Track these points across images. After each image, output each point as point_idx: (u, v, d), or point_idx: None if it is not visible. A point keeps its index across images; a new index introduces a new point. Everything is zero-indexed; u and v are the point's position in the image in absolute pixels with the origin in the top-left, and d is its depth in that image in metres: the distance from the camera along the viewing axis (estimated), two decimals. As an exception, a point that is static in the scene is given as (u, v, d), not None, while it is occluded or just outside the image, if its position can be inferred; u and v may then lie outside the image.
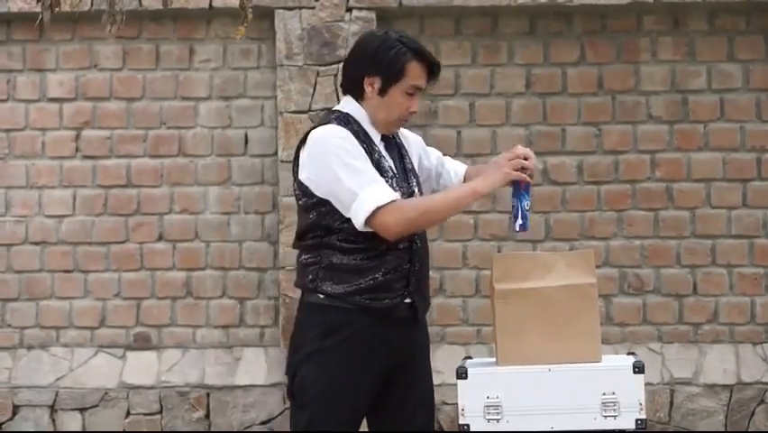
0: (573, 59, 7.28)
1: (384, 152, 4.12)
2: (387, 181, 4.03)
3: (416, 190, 4.17)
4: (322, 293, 4.03)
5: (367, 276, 4.00)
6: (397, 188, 4.04)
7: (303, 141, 4.09)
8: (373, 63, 4.05)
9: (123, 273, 7.34)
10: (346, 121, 4.07)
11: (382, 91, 4.05)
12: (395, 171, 4.11)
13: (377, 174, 4.00)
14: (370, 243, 3.99)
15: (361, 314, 4.01)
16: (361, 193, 3.94)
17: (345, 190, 3.95)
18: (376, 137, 4.11)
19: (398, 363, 4.09)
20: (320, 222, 4.03)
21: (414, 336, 4.15)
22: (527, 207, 4.04)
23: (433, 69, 4.09)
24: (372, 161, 4.03)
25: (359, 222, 3.95)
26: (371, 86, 4.06)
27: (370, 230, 3.96)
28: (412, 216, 3.97)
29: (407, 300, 4.07)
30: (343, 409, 4.03)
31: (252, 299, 7.31)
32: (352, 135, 4.02)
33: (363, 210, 3.93)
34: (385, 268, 4.01)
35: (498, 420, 3.89)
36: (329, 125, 4.06)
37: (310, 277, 4.05)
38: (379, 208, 3.93)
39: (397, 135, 4.24)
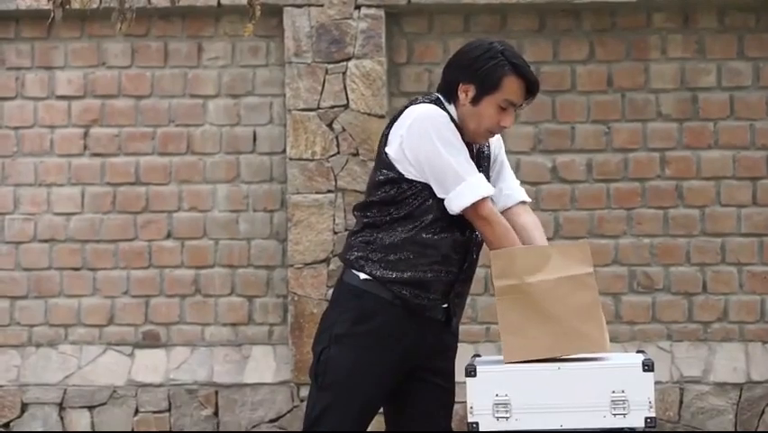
0: (582, 57, 7.27)
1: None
2: None
3: None
4: (364, 273, 4.03)
5: (414, 270, 4.00)
6: None
7: (397, 116, 4.08)
8: (470, 71, 4.03)
9: (132, 271, 7.34)
10: (444, 108, 4.06)
11: (475, 100, 4.02)
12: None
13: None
14: (430, 240, 4.01)
15: (396, 306, 4.01)
16: (470, 179, 3.96)
17: (451, 171, 3.96)
18: None
19: (424, 360, 4.10)
20: (390, 200, 4.02)
21: (444, 338, 4.15)
22: None
23: (531, 87, 4.05)
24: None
25: (458, 205, 3.96)
26: (465, 93, 4.03)
27: (457, 213, 3.97)
28: (501, 230, 4.00)
29: (444, 305, 4.09)
30: (361, 397, 4.04)
31: (261, 297, 7.31)
32: (452, 122, 4.03)
33: (471, 195, 3.94)
34: (434, 268, 4.02)
35: (506, 418, 3.88)
36: (433, 105, 4.06)
37: (358, 254, 4.05)
38: (485, 199, 3.96)
39: (484, 146, 4.21)
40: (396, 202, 4.02)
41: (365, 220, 4.08)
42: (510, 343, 3.96)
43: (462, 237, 4.07)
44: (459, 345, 4.25)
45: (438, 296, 4.06)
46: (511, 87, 4.01)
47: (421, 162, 3.98)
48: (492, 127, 4.06)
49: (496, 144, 4.27)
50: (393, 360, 4.04)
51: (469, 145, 4.09)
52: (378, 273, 4.01)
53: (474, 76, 4.01)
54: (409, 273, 4.00)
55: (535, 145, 7.25)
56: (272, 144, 7.30)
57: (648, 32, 7.26)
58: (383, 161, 4.05)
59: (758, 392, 7.09)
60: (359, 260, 4.04)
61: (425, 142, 3.97)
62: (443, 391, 4.18)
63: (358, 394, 4.03)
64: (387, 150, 4.04)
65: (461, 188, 3.95)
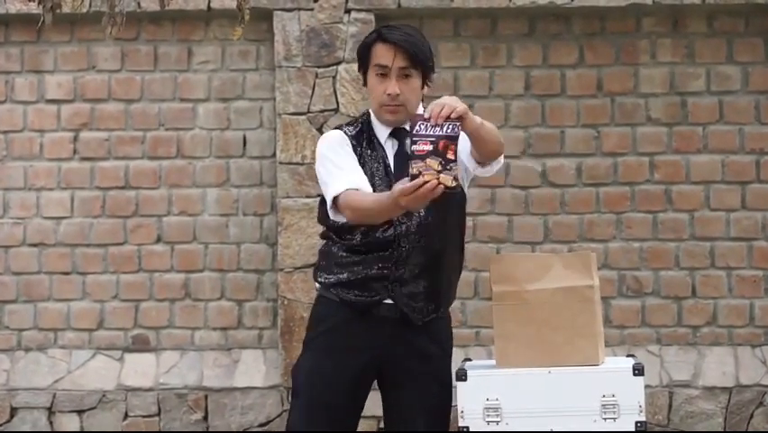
0: (572, 61, 7.28)
1: (385, 149, 4.14)
2: (378, 178, 4.09)
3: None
4: (317, 282, 4.21)
5: (348, 271, 4.11)
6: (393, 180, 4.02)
7: None
8: (358, 60, 4.21)
9: (122, 275, 7.33)
10: (354, 121, 4.23)
11: (365, 82, 4.18)
12: (389, 167, 4.11)
13: (352, 170, 4.07)
14: (356, 240, 4.10)
15: (343, 307, 4.12)
16: (331, 184, 4.06)
17: (322, 184, 4.12)
18: (383, 132, 4.15)
19: (388, 363, 4.12)
20: (325, 214, 4.17)
21: (408, 338, 4.13)
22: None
23: (392, 43, 4.06)
24: (360, 161, 4.11)
25: (329, 211, 4.09)
26: (365, 82, 4.19)
27: (341, 219, 4.07)
28: (356, 208, 4.00)
29: (388, 301, 4.10)
30: (322, 399, 4.09)
31: (251, 301, 7.30)
32: (343, 137, 4.14)
33: (328, 199, 4.07)
34: (365, 267, 4.09)
35: (497, 422, 3.89)
36: (334, 129, 4.25)
37: (317, 265, 4.25)
38: (337, 197, 4.03)
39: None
40: (325, 216, 4.18)
41: (322, 233, 4.28)
42: (504, 349, 3.97)
43: (385, 235, 4.09)
44: (448, 349, 4.24)
45: (378, 292, 4.09)
46: (376, 51, 4.10)
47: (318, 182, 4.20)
48: (381, 100, 4.11)
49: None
50: (349, 362, 4.09)
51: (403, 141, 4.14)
52: (324, 280, 4.17)
53: (359, 62, 4.18)
54: (345, 275, 4.11)
55: (525, 149, 7.26)
56: (262, 148, 7.30)
57: (638, 37, 7.27)
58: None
59: (747, 396, 7.10)
60: (317, 270, 4.24)
61: (317, 164, 4.17)
62: (422, 397, 4.13)
63: (318, 396, 4.10)
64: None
65: (326, 197, 4.10)
